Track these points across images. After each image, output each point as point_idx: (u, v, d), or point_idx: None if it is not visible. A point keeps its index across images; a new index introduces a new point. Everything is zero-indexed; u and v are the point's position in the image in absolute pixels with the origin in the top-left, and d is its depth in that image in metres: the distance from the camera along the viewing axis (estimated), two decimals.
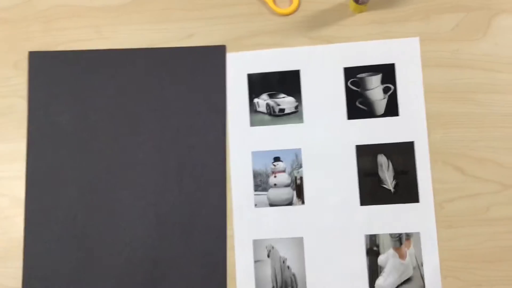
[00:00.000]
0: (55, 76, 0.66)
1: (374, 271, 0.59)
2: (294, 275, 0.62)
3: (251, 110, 0.64)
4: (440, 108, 0.62)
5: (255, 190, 0.63)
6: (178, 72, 0.65)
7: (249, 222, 0.62)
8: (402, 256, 0.59)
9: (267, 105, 0.64)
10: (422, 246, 0.59)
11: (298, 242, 0.62)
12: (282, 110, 0.64)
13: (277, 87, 0.64)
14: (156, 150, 0.64)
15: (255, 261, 0.62)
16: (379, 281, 0.59)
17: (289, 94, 0.64)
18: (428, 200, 0.60)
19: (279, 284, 0.61)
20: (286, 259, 0.62)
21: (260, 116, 0.64)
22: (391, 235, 0.60)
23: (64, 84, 0.66)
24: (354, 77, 0.63)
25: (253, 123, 0.63)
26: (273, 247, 0.62)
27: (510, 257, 0.60)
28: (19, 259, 0.63)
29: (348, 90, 0.63)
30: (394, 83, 0.62)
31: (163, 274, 0.63)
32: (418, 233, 0.59)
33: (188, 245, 0.63)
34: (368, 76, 0.63)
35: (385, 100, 0.63)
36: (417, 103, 0.62)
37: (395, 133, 0.62)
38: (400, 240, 0.60)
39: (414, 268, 0.59)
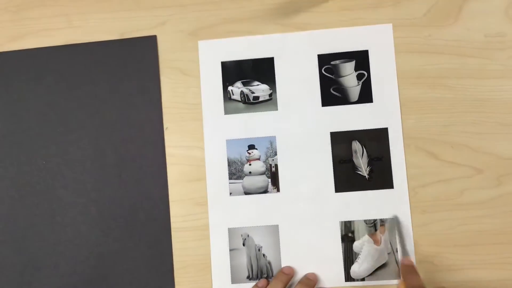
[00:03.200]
0: None
1: (349, 257, 0.62)
2: (269, 262, 0.64)
3: (225, 98, 0.65)
4: (413, 93, 0.64)
5: (230, 179, 0.65)
6: (109, 66, 0.67)
7: (224, 211, 0.64)
8: (376, 242, 0.61)
9: (242, 92, 0.66)
10: (397, 232, 0.62)
11: (273, 230, 0.65)
12: (256, 97, 0.66)
13: (251, 74, 0.66)
14: (92, 146, 0.67)
15: (231, 250, 0.64)
16: (355, 267, 0.61)
17: (263, 81, 0.65)
18: (403, 186, 0.62)
19: (254, 272, 0.64)
20: (261, 247, 0.65)
21: (234, 104, 0.65)
22: (365, 221, 0.62)
23: None
24: (328, 64, 0.65)
25: (227, 111, 0.65)
26: (248, 235, 0.65)
27: (483, 241, 0.62)
28: None
29: (322, 77, 0.65)
30: (367, 70, 0.65)
31: (109, 268, 0.65)
32: (392, 219, 0.62)
33: (132, 238, 0.65)
34: (341, 63, 0.65)
35: (359, 87, 0.65)
36: (391, 89, 0.64)
37: (369, 120, 0.64)
38: (374, 226, 0.62)
39: (389, 253, 0.61)
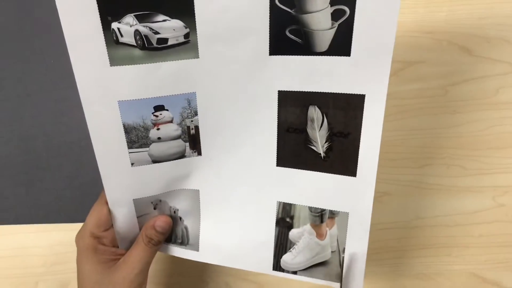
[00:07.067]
0: None
1: (282, 244, 0.50)
2: (186, 228, 0.52)
3: (109, 41, 0.40)
4: None
5: (130, 148, 0.46)
6: None
7: (125, 183, 0.48)
8: (320, 235, 0.49)
9: (137, 33, 0.40)
10: (348, 230, 0.48)
11: (193, 195, 0.51)
12: (163, 40, 0.40)
13: (152, 3, 0.39)
14: None
15: (138, 216, 0.52)
16: (287, 257, 0.50)
17: (174, 15, 0.39)
18: (369, 176, 0.45)
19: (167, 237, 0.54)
20: (177, 209, 0.53)
21: (125, 50, 0.40)
22: (310, 208, 0.48)
23: None
24: None
25: (114, 61, 0.40)
26: (160, 200, 0.52)
27: None
28: None
29: (274, 11, 0.39)
30: (352, 5, 0.39)
31: None
32: (346, 214, 0.48)
33: None
34: None
35: (332, 31, 0.40)
36: (383, 39, 0.39)
37: (340, 81, 0.42)
38: (321, 217, 0.48)
39: (333, 252, 0.49)
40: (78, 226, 0.50)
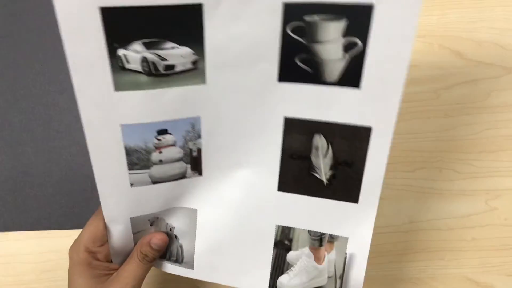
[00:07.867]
0: None
1: (279, 266, 0.50)
2: (181, 246, 0.52)
3: (115, 67, 0.38)
4: None
5: (130, 169, 0.45)
6: None
7: (123, 203, 0.46)
8: (318, 259, 0.49)
9: (144, 59, 0.38)
10: (348, 256, 0.48)
11: (190, 213, 0.50)
12: (170, 67, 0.39)
13: (161, 31, 0.37)
14: None
15: (135, 233, 0.52)
16: (283, 279, 0.50)
17: (182, 42, 0.38)
18: (370, 203, 0.45)
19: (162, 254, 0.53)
20: (173, 227, 0.52)
21: (131, 76, 0.38)
22: (310, 232, 0.48)
23: None
24: (299, 19, 0.38)
25: (119, 87, 0.39)
26: (157, 218, 0.51)
27: (511, 146, 0.60)
28: None
29: (286, 40, 0.39)
30: (364, 37, 0.38)
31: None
32: (345, 239, 0.47)
33: None
34: (322, 20, 0.38)
35: (344, 62, 0.40)
36: (395, 74, 0.39)
37: (348, 112, 0.41)
38: (320, 240, 0.48)
39: (329, 277, 0.49)
40: (67, 232, 0.50)
